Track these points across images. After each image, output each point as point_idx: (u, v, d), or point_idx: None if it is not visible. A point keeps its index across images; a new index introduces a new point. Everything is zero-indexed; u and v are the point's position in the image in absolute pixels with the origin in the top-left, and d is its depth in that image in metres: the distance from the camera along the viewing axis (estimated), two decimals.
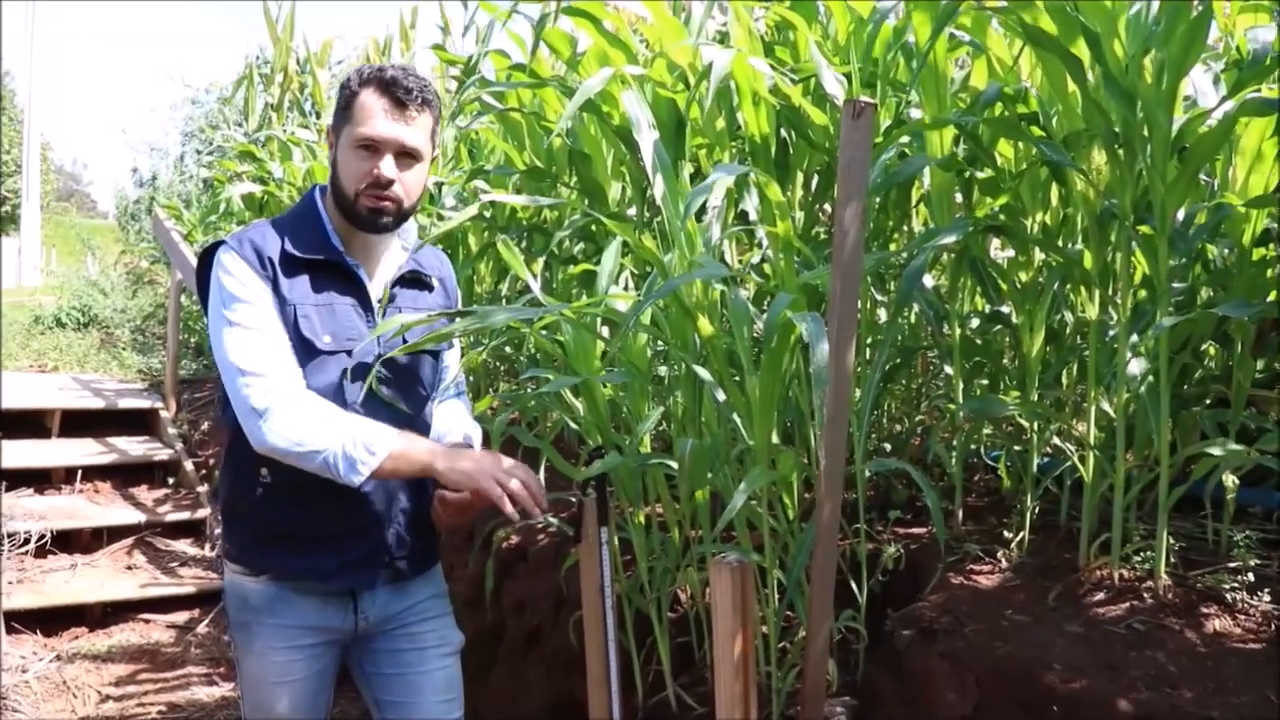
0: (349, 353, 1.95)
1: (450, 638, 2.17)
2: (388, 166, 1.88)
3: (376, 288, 2.03)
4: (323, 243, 1.98)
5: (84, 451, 5.93)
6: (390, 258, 2.07)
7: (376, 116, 1.86)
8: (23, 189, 22.21)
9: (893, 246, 2.64)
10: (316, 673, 2.03)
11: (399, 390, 2.00)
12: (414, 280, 2.08)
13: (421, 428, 2.06)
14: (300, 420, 1.81)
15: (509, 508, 1.78)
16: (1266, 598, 1.95)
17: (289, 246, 1.94)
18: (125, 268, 11.34)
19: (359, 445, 1.80)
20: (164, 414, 6.62)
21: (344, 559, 1.97)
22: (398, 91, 1.86)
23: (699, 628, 2.41)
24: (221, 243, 1.95)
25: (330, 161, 1.99)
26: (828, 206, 2.77)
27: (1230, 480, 2.08)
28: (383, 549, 2.00)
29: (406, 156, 1.90)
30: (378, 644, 2.09)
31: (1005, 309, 2.46)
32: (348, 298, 1.98)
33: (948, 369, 2.50)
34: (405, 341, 1.99)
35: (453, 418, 2.19)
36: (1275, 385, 2.31)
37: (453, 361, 2.25)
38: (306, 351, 1.92)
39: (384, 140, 1.87)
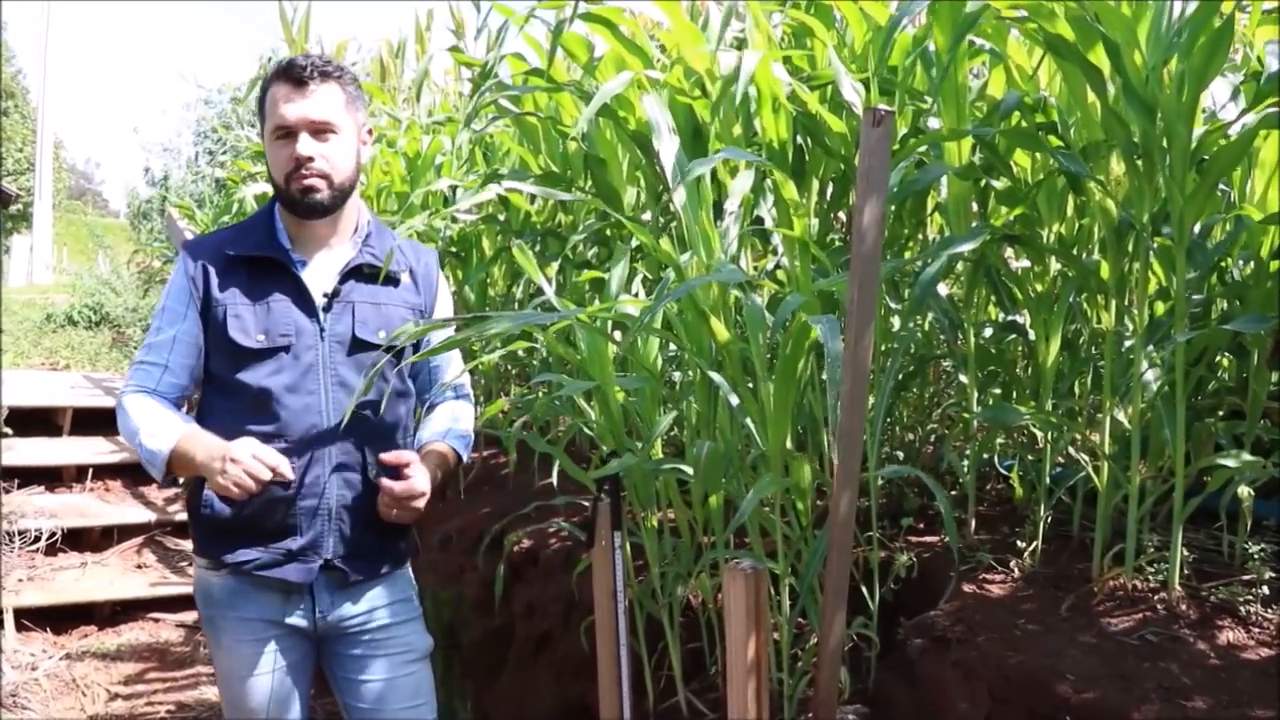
0: (287, 349, 1.98)
1: (416, 644, 2.15)
2: (304, 145, 1.93)
3: (328, 282, 2.04)
4: (268, 240, 2.03)
5: (95, 450, 5.95)
6: (344, 251, 2.08)
7: (280, 103, 1.94)
8: (35, 187, 22.34)
9: (907, 254, 2.64)
10: (285, 667, 2.04)
11: (352, 390, 1.99)
12: (372, 274, 2.06)
13: (384, 429, 2.07)
14: (123, 419, 1.97)
15: (236, 494, 1.86)
16: None
17: (230, 248, 2.01)
18: (137, 267, 11.40)
19: (144, 448, 1.91)
20: None
21: (276, 553, 1.98)
22: (294, 72, 1.93)
23: (710, 633, 2.40)
24: None
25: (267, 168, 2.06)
26: (842, 214, 2.77)
27: (1245, 492, 2.08)
28: (318, 546, 2.00)
29: (321, 131, 1.95)
30: (341, 648, 2.09)
31: (1020, 318, 2.46)
32: (285, 295, 2.00)
33: (962, 377, 2.50)
34: (356, 338, 2.02)
35: (438, 419, 2.19)
36: None
37: (447, 363, 2.24)
38: (234, 353, 1.97)
39: (292, 122, 1.93)
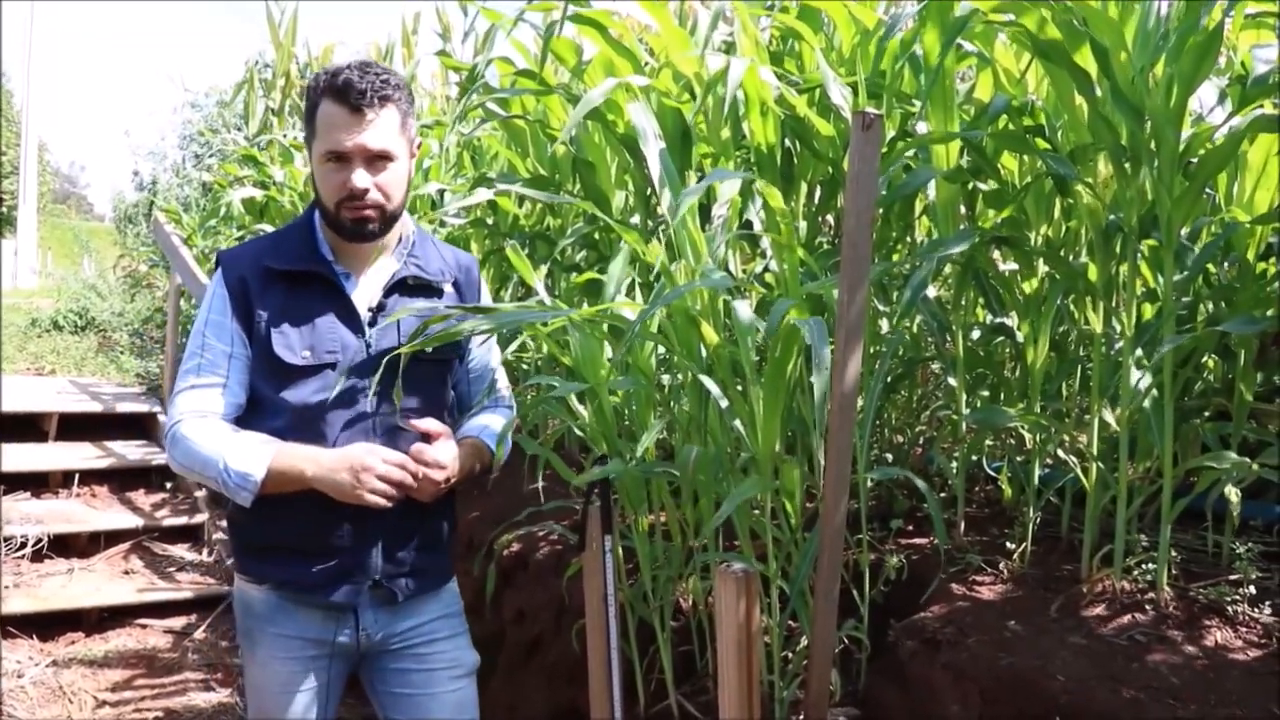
0: (333, 366, 1.90)
1: (462, 659, 2.11)
2: (359, 177, 1.84)
3: (373, 296, 1.97)
4: (310, 254, 1.94)
5: (81, 455, 5.91)
6: (388, 263, 2.01)
7: (336, 128, 1.83)
8: (19, 190, 22.19)
9: (895, 257, 2.65)
10: (319, 685, 2.00)
11: (403, 406, 1.92)
12: (417, 286, 2.01)
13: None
14: (187, 448, 1.85)
15: (380, 504, 1.82)
16: (1268, 610, 1.95)
17: (270, 261, 1.92)
18: (123, 271, 11.32)
19: (232, 472, 1.80)
20: (162, 418, 6.60)
21: (323, 573, 1.93)
22: (352, 97, 1.81)
23: (702, 636, 2.41)
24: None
25: (310, 175, 1.97)
26: (830, 217, 2.78)
27: (1232, 493, 2.09)
28: (366, 566, 1.95)
29: (376, 159, 1.86)
30: (386, 663, 2.05)
31: (1008, 320, 2.47)
32: (330, 310, 1.93)
33: (950, 380, 2.50)
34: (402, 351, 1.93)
35: (474, 422, 2.12)
36: (1276, 398, 2.32)
37: (489, 374, 2.18)
38: (279, 371, 1.89)
39: (348, 150, 1.83)
